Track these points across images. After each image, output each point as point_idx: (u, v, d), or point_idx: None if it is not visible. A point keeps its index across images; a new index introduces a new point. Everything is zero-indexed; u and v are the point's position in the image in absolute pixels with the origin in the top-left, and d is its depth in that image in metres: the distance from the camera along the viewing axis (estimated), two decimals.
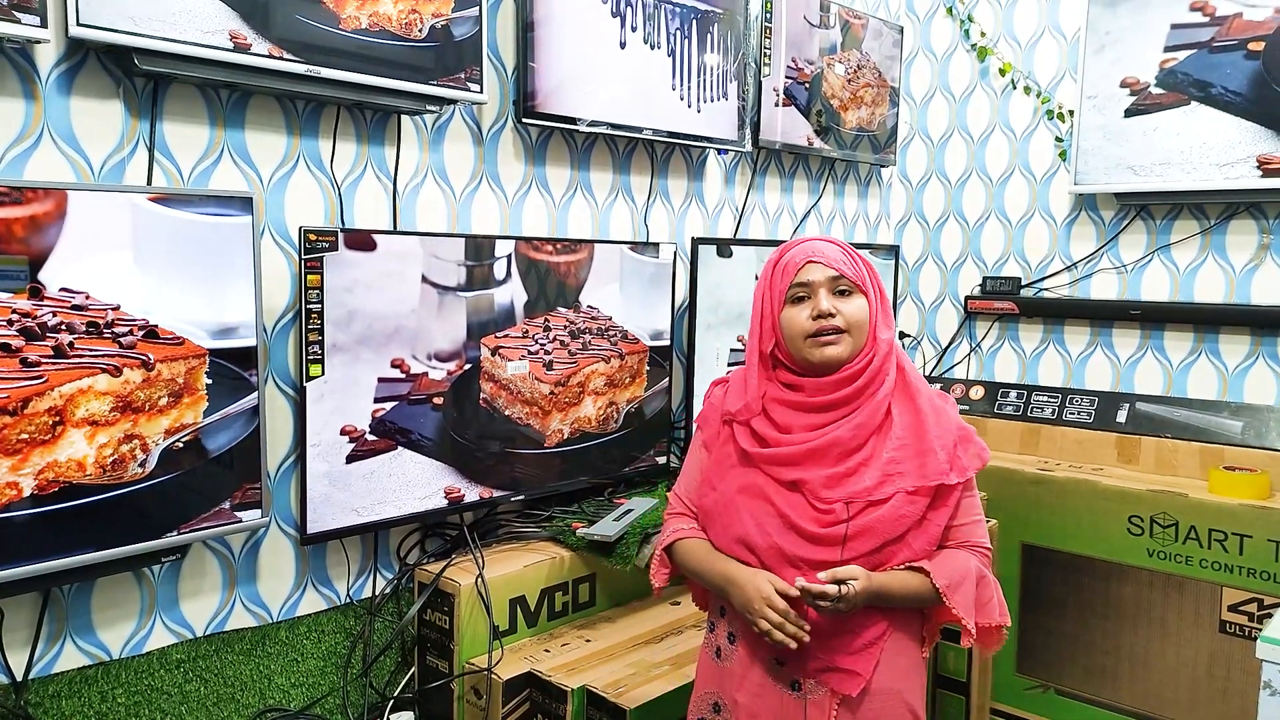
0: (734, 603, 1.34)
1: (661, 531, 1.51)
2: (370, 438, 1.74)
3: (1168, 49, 2.62)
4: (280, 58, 1.55)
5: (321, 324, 1.64)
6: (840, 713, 1.32)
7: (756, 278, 1.68)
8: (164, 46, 1.43)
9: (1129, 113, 2.68)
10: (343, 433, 1.70)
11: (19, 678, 1.45)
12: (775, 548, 1.32)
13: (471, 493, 1.91)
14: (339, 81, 1.64)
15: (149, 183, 1.55)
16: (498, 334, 1.92)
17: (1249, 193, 2.51)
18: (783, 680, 1.35)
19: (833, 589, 1.24)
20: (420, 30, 1.73)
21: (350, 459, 1.72)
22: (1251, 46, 2.49)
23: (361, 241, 1.68)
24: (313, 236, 1.62)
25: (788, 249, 1.41)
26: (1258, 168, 2.48)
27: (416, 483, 1.82)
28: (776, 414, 1.38)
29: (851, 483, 1.32)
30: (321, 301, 1.64)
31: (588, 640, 1.87)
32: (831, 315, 1.33)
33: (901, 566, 1.32)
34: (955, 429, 1.37)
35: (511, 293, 1.94)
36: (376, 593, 1.90)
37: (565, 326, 2.04)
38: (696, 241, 2.32)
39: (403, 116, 1.87)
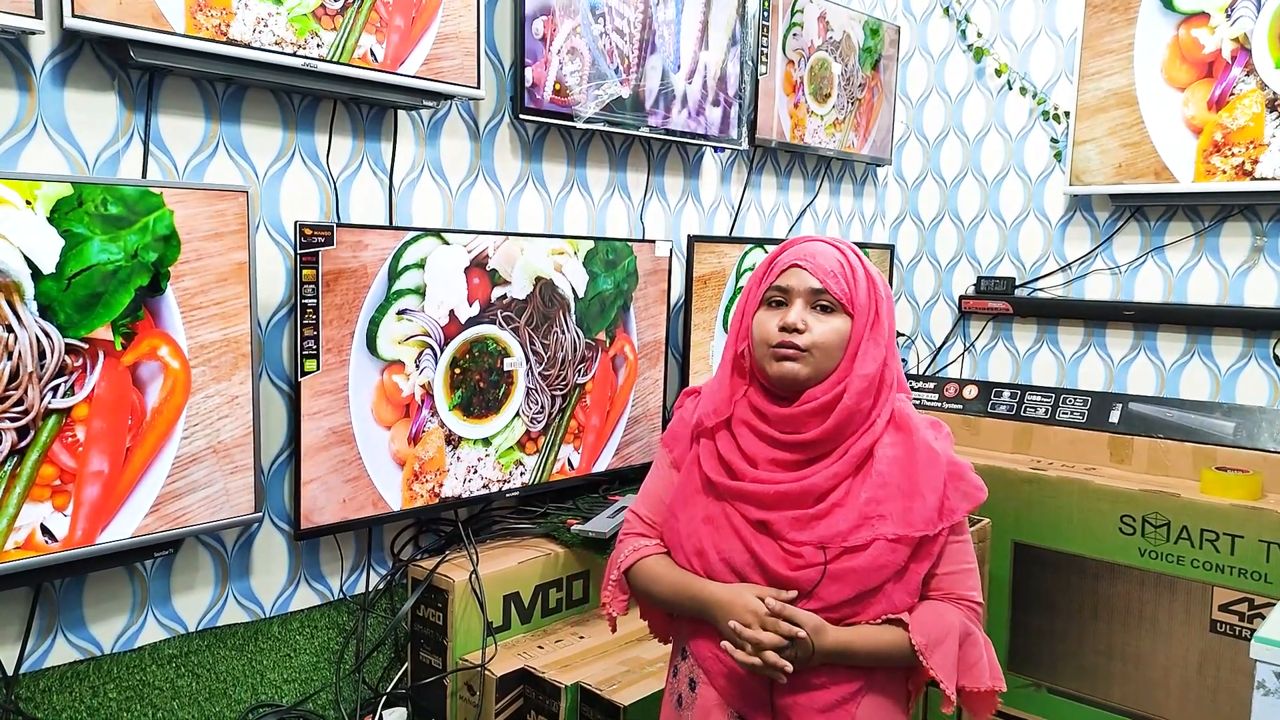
0: (718, 628, 1.19)
1: (616, 553, 1.36)
2: None
3: None
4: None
5: (317, 319, 1.64)
6: None
7: None
8: (160, 39, 1.42)
9: None
10: None
11: (10, 672, 1.45)
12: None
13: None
14: (335, 76, 1.64)
15: (144, 175, 1.54)
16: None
17: (1243, 195, 2.52)
18: None
19: (801, 633, 1.12)
20: None
21: None
22: None
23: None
24: (308, 231, 1.61)
25: (786, 247, 1.28)
26: None
27: None
28: (743, 438, 1.25)
29: (823, 526, 1.18)
30: (317, 296, 1.63)
31: (581, 637, 1.87)
32: (798, 330, 1.19)
33: (877, 621, 1.18)
34: (945, 465, 1.22)
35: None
36: (370, 588, 1.90)
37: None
38: (693, 239, 2.32)
39: (399, 111, 1.87)
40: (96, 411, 1.39)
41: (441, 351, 1.83)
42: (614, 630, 1.42)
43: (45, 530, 1.36)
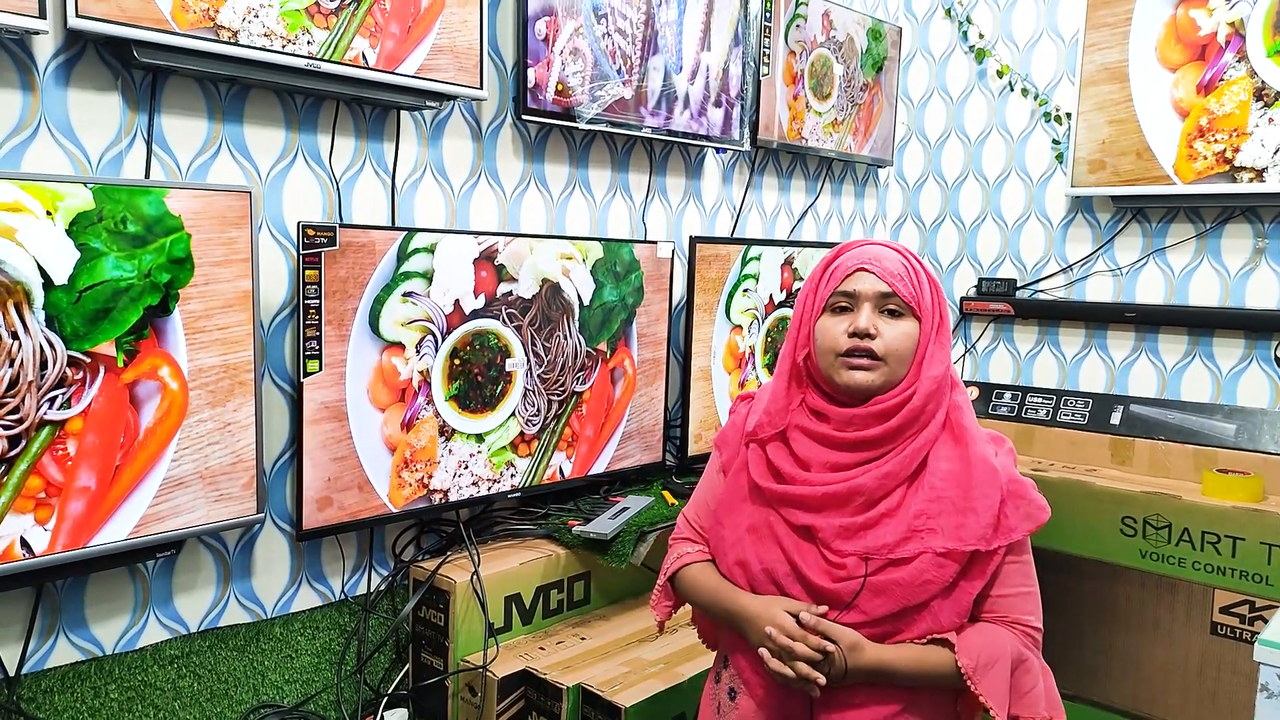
0: (749, 640, 1.19)
1: (665, 558, 1.38)
2: None
3: None
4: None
5: (319, 320, 1.64)
6: None
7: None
8: (163, 39, 1.42)
9: None
10: None
11: (11, 673, 1.44)
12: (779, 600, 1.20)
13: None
14: (338, 76, 1.64)
15: (147, 175, 1.54)
16: None
17: (1245, 197, 2.52)
18: None
19: (832, 647, 1.11)
20: None
21: None
22: None
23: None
24: (311, 232, 1.61)
25: (843, 250, 1.25)
26: None
27: None
28: (797, 443, 1.22)
29: (870, 536, 1.15)
30: (320, 297, 1.63)
31: (583, 638, 1.87)
32: (870, 336, 1.17)
33: (922, 640, 1.14)
34: (1005, 482, 1.18)
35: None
36: (371, 589, 1.90)
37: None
38: (694, 240, 2.31)
39: (401, 112, 1.86)
40: (91, 426, 1.38)
41: (443, 340, 1.82)
42: (661, 632, 1.48)
43: (24, 543, 1.35)
